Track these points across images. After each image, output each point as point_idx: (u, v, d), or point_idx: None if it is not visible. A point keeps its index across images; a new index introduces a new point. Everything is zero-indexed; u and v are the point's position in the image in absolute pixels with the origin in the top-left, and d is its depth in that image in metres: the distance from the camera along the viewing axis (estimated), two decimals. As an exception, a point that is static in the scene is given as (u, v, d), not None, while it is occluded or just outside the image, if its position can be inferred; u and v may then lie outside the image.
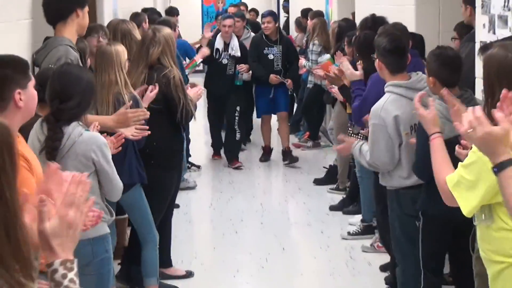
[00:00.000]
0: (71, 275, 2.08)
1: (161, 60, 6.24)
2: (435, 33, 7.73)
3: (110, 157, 4.41)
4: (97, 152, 4.29)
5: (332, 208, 8.84)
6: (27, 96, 3.39)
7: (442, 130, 5.08)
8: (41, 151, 4.21)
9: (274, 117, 11.55)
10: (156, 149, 6.09)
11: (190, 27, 19.40)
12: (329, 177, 9.94)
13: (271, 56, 10.87)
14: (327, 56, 9.56)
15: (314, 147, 12.34)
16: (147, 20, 8.89)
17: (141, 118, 5.14)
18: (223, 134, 11.44)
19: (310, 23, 12.03)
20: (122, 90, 5.59)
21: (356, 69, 7.26)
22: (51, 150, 4.21)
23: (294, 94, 12.71)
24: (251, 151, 12.19)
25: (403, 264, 5.69)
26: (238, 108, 10.99)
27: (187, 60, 10.52)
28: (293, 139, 12.47)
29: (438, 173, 3.56)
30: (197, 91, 6.44)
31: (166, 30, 6.41)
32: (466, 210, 3.27)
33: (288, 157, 11.06)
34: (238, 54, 10.76)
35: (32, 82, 3.44)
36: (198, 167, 10.91)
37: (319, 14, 12.23)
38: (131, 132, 5.11)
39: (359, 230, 7.85)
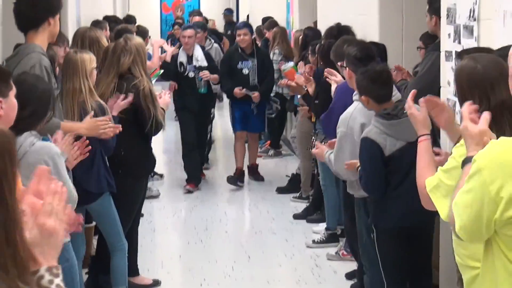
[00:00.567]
0: (58, 281, 2.13)
1: (131, 70, 6.25)
2: (399, 42, 7.81)
3: (64, 167, 4.39)
4: (49, 162, 4.25)
5: (296, 216, 8.88)
6: (8, 105, 3.39)
7: (384, 147, 5.20)
8: None
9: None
10: (124, 158, 6.10)
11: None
12: (292, 186, 9.98)
13: (245, 71, 10.17)
14: (291, 63, 9.61)
15: (276, 155, 12.38)
16: (108, 27, 8.87)
17: (110, 126, 5.17)
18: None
19: (269, 32, 12.08)
20: (86, 98, 5.58)
21: (319, 77, 7.32)
22: None
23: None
24: (213, 159, 12.18)
25: (371, 271, 5.74)
26: (210, 126, 10.46)
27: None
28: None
29: (420, 176, 3.59)
30: (166, 99, 6.46)
31: (138, 40, 6.45)
32: (443, 215, 3.31)
33: (254, 175, 10.61)
34: (204, 63, 10.11)
35: (13, 91, 3.44)
36: (161, 175, 10.88)
37: (275, 24, 12.28)
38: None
39: (324, 238, 7.89)
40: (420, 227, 5.41)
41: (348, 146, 5.51)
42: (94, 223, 6.44)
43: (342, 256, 7.43)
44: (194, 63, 10.11)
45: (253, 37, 10.42)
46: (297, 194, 9.65)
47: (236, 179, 10.35)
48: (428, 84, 6.35)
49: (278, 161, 12.13)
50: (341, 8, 9.07)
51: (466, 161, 2.97)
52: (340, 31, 7.53)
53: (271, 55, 11.11)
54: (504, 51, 3.83)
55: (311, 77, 7.94)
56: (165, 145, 12.33)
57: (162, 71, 9.67)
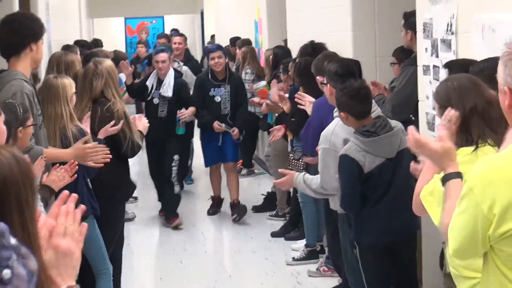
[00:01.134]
0: None
1: (104, 93, 6.26)
2: (372, 58, 7.88)
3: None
4: None
5: (274, 234, 8.88)
6: None
7: (363, 164, 5.26)
8: None
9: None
10: (103, 181, 6.07)
11: (115, 58, 19.29)
12: (268, 204, 9.99)
13: (218, 99, 9.49)
14: (263, 82, 9.63)
15: (249, 174, 12.39)
16: (78, 52, 8.85)
17: (99, 154, 5.16)
18: None
19: (239, 52, 12.09)
20: (67, 124, 5.56)
21: (292, 96, 7.35)
22: None
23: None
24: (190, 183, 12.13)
25: (356, 286, 5.77)
26: (175, 157, 9.44)
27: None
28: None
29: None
30: (145, 123, 6.48)
31: (108, 62, 6.44)
32: (436, 221, 3.35)
33: (237, 211, 9.67)
34: (169, 94, 9.30)
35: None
36: (135, 198, 10.82)
37: (247, 43, 12.30)
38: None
39: (304, 255, 7.91)
40: (401, 243, 5.45)
41: (333, 163, 5.53)
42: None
43: (323, 272, 7.45)
44: (161, 90, 9.36)
45: (226, 60, 9.82)
46: (273, 212, 9.66)
47: (216, 211, 10.07)
48: (406, 98, 6.43)
49: (251, 180, 12.13)
50: (312, 26, 9.11)
51: (446, 178, 3.06)
52: (315, 49, 7.58)
53: (242, 75, 10.98)
54: (488, 62, 3.93)
55: (285, 95, 7.99)
56: (138, 167, 12.27)
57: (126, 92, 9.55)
